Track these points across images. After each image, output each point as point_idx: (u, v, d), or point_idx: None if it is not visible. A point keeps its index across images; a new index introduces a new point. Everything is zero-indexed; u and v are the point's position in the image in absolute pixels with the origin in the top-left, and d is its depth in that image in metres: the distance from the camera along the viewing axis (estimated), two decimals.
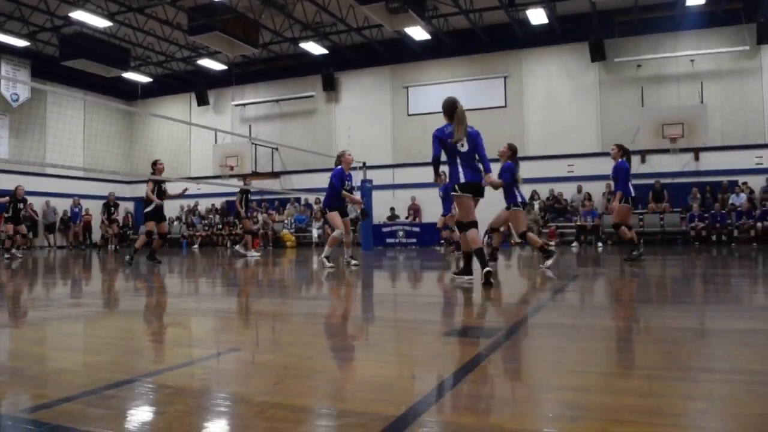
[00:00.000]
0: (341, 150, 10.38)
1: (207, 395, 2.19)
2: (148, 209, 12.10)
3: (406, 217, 21.30)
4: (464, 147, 6.41)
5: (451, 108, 6.56)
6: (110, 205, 18.63)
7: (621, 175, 9.72)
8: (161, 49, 23.00)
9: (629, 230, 9.88)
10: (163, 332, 3.89)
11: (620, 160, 9.84)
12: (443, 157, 6.50)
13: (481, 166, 6.61)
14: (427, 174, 21.21)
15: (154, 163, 12.22)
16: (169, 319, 4.57)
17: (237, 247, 15.66)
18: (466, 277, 6.53)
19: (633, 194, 9.81)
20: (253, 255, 13.68)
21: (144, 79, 25.66)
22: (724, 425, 1.86)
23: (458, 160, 6.41)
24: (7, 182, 22.17)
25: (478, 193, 6.62)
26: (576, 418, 1.89)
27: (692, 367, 2.62)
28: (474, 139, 6.49)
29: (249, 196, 15.52)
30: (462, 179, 6.39)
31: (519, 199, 8.94)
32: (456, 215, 6.97)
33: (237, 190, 15.69)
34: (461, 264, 6.79)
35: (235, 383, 2.43)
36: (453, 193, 6.56)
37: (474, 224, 6.62)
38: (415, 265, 10.60)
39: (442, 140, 6.43)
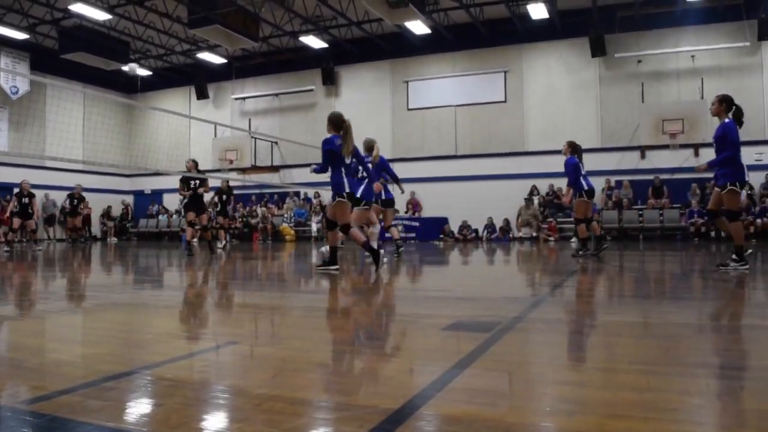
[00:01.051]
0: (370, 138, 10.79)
1: (205, 387, 2.20)
2: (185, 202, 13.36)
3: (406, 212, 21.31)
4: (348, 160, 7.28)
5: (339, 121, 7.30)
6: (74, 197, 18.55)
7: (569, 170, 10.04)
8: (161, 42, 22.96)
9: (591, 225, 10.21)
10: (161, 325, 3.89)
11: (569, 156, 10.06)
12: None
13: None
14: (427, 169, 21.27)
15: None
16: (167, 311, 4.57)
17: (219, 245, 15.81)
18: (332, 268, 7.27)
19: (586, 188, 9.94)
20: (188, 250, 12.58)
21: (144, 72, 25.62)
22: (721, 420, 1.86)
23: (344, 170, 7.21)
24: (7, 175, 22.24)
25: (357, 203, 7.77)
26: (573, 412, 1.89)
27: (690, 362, 2.63)
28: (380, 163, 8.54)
29: (224, 197, 16.49)
30: (347, 188, 7.20)
31: (585, 188, 9.87)
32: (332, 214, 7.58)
33: (235, 184, 15.85)
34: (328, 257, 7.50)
35: (234, 376, 2.44)
36: (339, 198, 7.25)
37: (346, 227, 7.37)
38: (413, 259, 10.60)
39: (333, 151, 7.16)
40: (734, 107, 7.38)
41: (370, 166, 8.68)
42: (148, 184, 27.65)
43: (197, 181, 13.16)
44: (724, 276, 6.42)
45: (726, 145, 7.22)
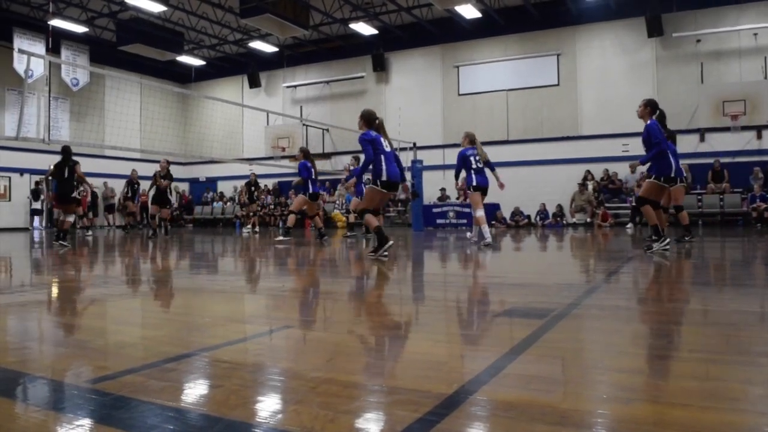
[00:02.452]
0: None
1: (261, 370, 2.24)
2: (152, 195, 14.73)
3: (457, 198, 21.20)
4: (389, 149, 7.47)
5: (372, 118, 7.60)
6: (132, 182, 18.91)
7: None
8: (214, 32, 23.34)
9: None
10: (218, 309, 3.98)
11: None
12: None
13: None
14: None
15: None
16: (223, 296, 4.67)
17: (243, 230, 16.66)
18: (383, 249, 7.24)
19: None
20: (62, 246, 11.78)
21: (197, 62, 26.08)
22: None
23: (383, 158, 7.32)
24: None
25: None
26: (630, 400, 1.86)
27: (752, 351, 2.55)
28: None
29: (254, 186, 17.24)
30: (384, 176, 7.29)
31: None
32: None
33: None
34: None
35: (288, 359, 2.48)
36: (372, 185, 7.43)
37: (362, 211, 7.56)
38: (465, 246, 10.55)
39: (373, 141, 7.35)
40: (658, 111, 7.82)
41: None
42: (202, 172, 28.25)
43: (162, 179, 14.67)
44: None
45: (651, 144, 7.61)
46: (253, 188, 18.64)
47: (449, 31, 22.07)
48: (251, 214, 18.36)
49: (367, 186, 7.48)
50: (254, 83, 26.32)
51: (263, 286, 5.37)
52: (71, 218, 11.75)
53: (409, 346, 2.69)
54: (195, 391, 1.97)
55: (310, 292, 4.86)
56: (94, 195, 24.23)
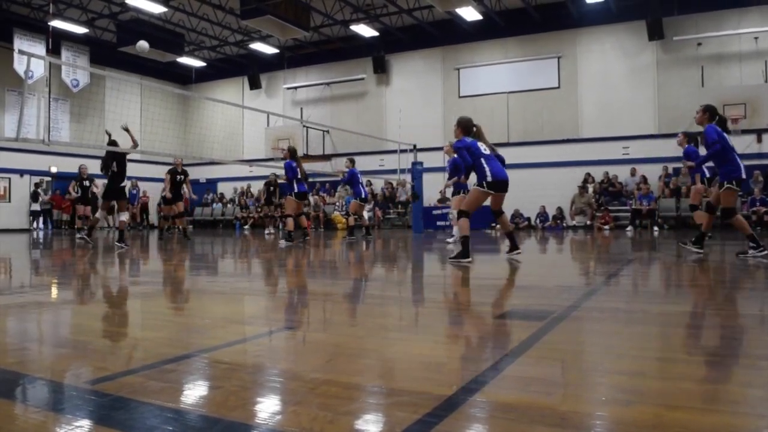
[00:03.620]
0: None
1: (261, 371, 2.24)
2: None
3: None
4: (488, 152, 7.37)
5: (469, 125, 7.55)
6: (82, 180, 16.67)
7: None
8: (214, 33, 23.37)
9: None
10: (217, 310, 3.98)
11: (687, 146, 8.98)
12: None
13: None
14: None
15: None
16: (222, 297, 4.67)
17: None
18: (464, 260, 6.94)
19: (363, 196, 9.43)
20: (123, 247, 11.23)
21: (198, 63, 26.11)
22: None
23: (484, 160, 7.24)
24: (68, 165, 23.03)
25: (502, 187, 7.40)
26: (630, 402, 1.86)
27: (752, 354, 2.55)
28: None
29: (179, 177, 15.01)
30: (489, 177, 7.17)
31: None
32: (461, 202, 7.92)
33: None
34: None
35: (288, 360, 2.48)
36: (477, 186, 7.33)
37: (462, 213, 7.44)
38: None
39: (469, 147, 7.33)
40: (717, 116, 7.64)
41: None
42: (203, 174, 28.25)
43: (88, 181, 15.04)
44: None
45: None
46: (272, 188, 18.63)
47: (450, 34, 22.09)
48: (268, 215, 18.36)
49: (472, 186, 7.44)
50: (255, 85, 26.35)
51: (262, 288, 5.37)
52: (125, 216, 11.28)
53: (408, 347, 2.68)
54: (194, 392, 1.97)
55: (309, 294, 4.86)
56: (94, 197, 24.21)
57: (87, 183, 15.83)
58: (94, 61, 23.10)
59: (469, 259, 6.95)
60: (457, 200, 11.74)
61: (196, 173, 28.43)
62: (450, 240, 11.97)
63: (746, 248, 7.39)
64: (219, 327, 3.24)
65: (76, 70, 23.14)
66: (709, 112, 7.68)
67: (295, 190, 11.93)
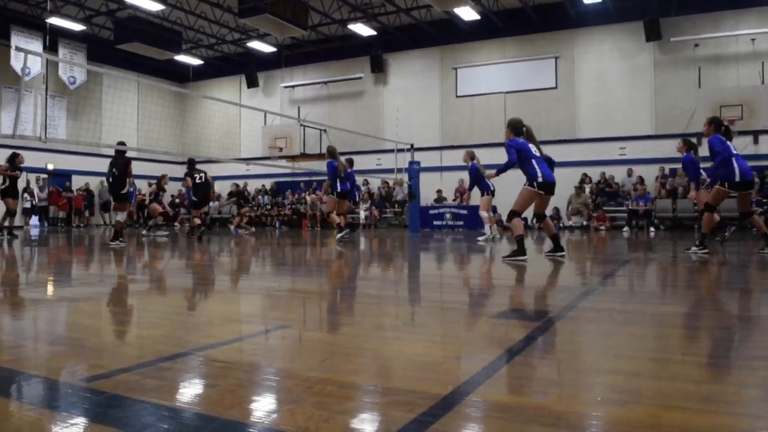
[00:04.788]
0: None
1: (257, 370, 2.24)
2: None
3: (454, 200, 21.22)
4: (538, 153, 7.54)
5: (519, 126, 7.62)
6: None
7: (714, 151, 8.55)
8: (212, 31, 23.33)
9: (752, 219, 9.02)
10: (214, 309, 3.98)
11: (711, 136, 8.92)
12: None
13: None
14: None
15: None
16: (218, 296, 4.67)
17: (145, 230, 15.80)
18: (520, 258, 7.09)
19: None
20: (118, 244, 10.75)
21: (195, 61, 26.07)
22: None
23: (535, 161, 7.43)
24: (65, 162, 23.03)
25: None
26: (626, 402, 1.86)
27: (747, 354, 2.56)
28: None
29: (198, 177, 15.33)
30: (540, 178, 7.35)
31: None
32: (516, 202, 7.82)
33: (285, 171, 16.08)
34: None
35: (284, 359, 2.48)
36: (528, 186, 7.46)
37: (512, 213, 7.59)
38: (462, 248, 10.56)
39: (520, 149, 7.49)
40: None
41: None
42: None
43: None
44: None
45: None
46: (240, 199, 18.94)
47: (448, 33, 22.09)
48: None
49: (524, 186, 7.50)
50: (252, 83, 26.32)
51: (260, 286, 5.36)
52: (122, 216, 11.43)
53: (404, 346, 2.68)
54: (190, 390, 1.97)
55: (307, 293, 4.86)
56: (90, 193, 24.21)
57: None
58: (92, 59, 23.01)
59: (525, 257, 7.11)
60: (486, 201, 12.06)
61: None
62: (481, 238, 12.12)
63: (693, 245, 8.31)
64: (215, 325, 3.24)
65: (73, 67, 23.06)
66: (714, 124, 8.10)
67: (338, 190, 12.31)
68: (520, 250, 7.16)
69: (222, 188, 27.31)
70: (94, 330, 3.16)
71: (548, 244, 8.40)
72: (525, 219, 20.13)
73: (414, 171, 18.05)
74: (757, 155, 18.19)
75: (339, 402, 1.81)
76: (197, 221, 13.97)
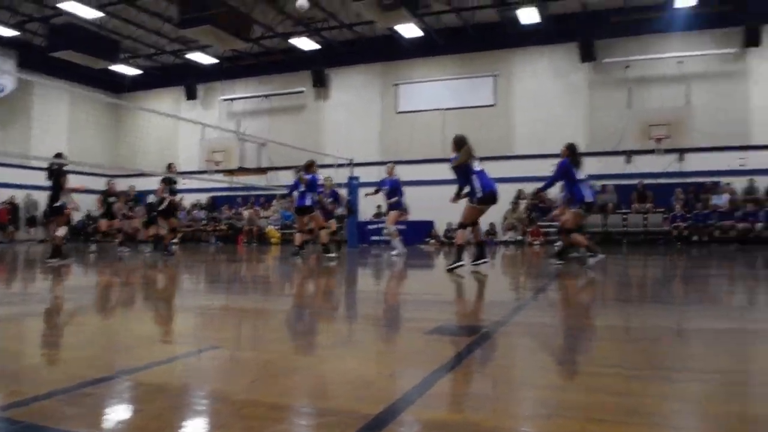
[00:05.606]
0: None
1: (185, 393, 2.18)
2: (161, 207, 13.49)
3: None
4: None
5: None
6: None
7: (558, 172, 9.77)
8: (151, 41, 22.87)
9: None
10: (142, 329, 3.87)
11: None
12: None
13: None
14: (414, 172, 21.20)
15: (169, 166, 14.09)
16: (149, 315, 4.55)
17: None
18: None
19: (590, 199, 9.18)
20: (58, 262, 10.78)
21: (133, 71, 25.48)
22: (698, 425, 1.88)
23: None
24: None
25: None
26: (552, 416, 1.90)
27: (668, 366, 2.65)
28: None
29: (108, 198, 15.61)
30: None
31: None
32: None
33: (222, 185, 15.79)
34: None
35: (214, 380, 2.43)
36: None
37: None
38: (398, 264, 10.60)
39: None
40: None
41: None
42: (133, 185, 27.47)
43: (114, 197, 14.88)
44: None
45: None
46: (110, 198, 16.56)
47: (390, 50, 22.25)
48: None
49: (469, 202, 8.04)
50: (191, 95, 25.87)
51: (192, 305, 5.25)
52: (61, 231, 10.65)
53: (337, 365, 2.67)
54: (113, 416, 1.90)
55: (242, 311, 4.79)
56: (15, 207, 23.19)
57: (113, 199, 15.52)
58: (23, 66, 22.18)
59: (462, 263, 7.75)
60: (393, 216, 12.07)
61: (125, 185, 27.69)
62: (393, 253, 12.05)
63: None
64: (144, 346, 3.15)
65: (2, 74, 22.19)
66: (569, 150, 9.01)
67: (295, 204, 11.68)
68: (459, 258, 7.76)
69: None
70: (13, 353, 3.02)
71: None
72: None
73: (353, 186, 18.06)
74: (682, 172, 18.98)
75: (268, 425, 1.78)
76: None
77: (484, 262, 7.97)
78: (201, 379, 2.44)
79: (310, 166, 11.60)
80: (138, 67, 25.52)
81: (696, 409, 2.03)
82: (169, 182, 13.50)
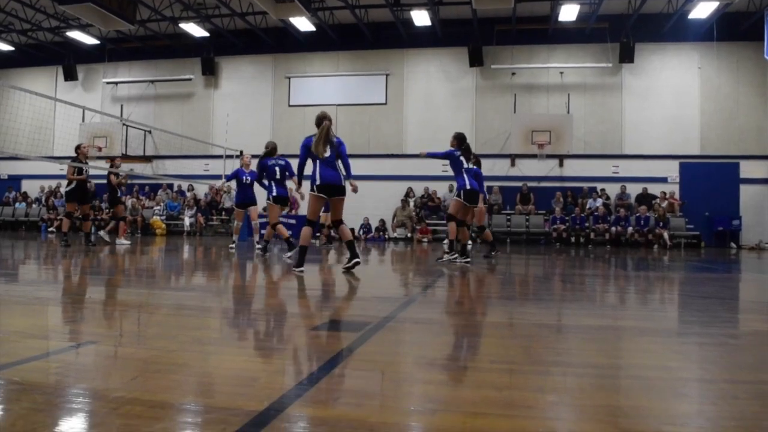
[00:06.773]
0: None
1: (59, 391, 2.06)
2: (68, 189, 12.69)
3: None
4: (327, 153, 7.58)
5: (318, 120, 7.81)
6: None
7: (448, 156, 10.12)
8: (26, 16, 21.35)
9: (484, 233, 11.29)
10: (13, 323, 3.61)
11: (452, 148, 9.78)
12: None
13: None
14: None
15: (78, 147, 13.21)
16: (22, 308, 4.26)
17: (101, 232, 14.89)
18: (297, 270, 6.91)
19: (468, 187, 9.19)
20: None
21: (5, 47, 23.73)
22: (572, 416, 1.98)
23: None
24: None
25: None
26: (436, 411, 1.95)
27: (546, 360, 2.79)
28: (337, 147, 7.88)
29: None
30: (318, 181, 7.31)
31: (467, 187, 9.26)
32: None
33: (103, 173, 15.02)
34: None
35: (91, 378, 2.31)
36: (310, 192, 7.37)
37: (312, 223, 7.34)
38: (288, 259, 10.50)
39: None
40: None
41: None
42: (4, 170, 25.64)
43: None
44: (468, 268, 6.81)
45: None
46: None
47: (283, 42, 21.99)
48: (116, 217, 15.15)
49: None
50: (70, 76, 24.38)
51: (69, 298, 4.96)
52: None
53: (221, 361, 2.61)
54: None
55: (123, 305, 4.57)
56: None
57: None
58: None
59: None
60: (254, 211, 11.93)
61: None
62: (258, 246, 11.56)
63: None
64: (13, 341, 2.94)
65: None
66: (457, 140, 9.43)
67: (273, 194, 10.44)
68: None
69: (30, 188, 25.05)
70: None
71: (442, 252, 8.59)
72: (352, 230, 20.52)
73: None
74: (562, 177, 20.05)
75: (147, 423, 1.72)
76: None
77: (357, 263, 7.16)
78: (75, 377, 2.31)
79: (274, 150, 10.63)
80: (10, 42, 23.80)
81: (571, 401, 2.14)
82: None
